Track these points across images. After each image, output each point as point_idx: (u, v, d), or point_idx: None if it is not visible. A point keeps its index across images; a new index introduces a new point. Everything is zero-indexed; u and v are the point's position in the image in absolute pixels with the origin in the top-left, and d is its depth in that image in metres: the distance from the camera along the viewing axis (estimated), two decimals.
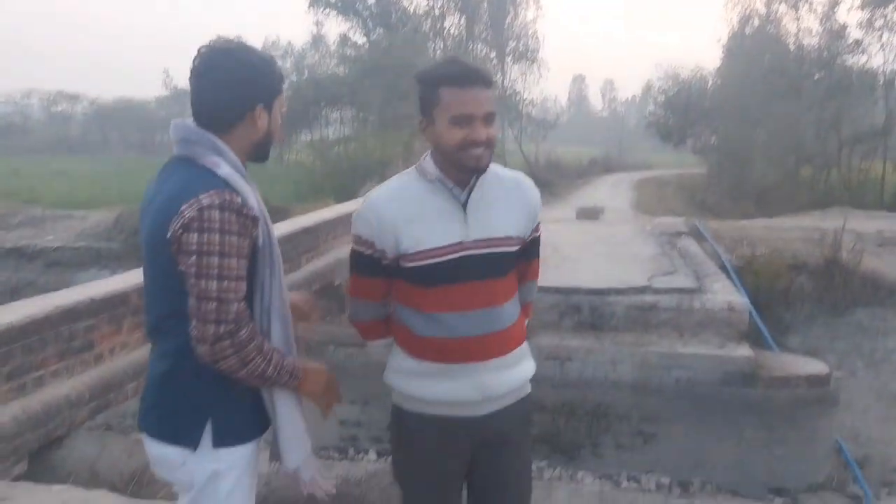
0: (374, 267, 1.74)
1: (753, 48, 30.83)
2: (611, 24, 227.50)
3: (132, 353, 4.11)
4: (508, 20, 33.43)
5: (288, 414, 1.70)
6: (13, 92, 53.28)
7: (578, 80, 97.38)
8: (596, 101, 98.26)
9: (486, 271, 1.72)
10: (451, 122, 1.64)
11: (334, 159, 22.34)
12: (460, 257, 1.69)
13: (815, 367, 6.21)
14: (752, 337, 7.16)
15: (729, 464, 5.91)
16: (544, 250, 2.04)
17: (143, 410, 1.69)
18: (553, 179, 29.34)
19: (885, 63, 27.74)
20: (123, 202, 15.84)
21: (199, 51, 1.59)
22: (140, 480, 3.49)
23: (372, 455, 5.35)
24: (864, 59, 28.53)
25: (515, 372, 1.80)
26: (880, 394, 7.53)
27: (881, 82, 27.65)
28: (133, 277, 4.42)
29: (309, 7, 30.41)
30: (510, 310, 1.78)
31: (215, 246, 1.49)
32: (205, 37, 1.65)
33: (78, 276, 12.34)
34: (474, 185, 1.72)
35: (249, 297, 1.60)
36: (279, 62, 1.74)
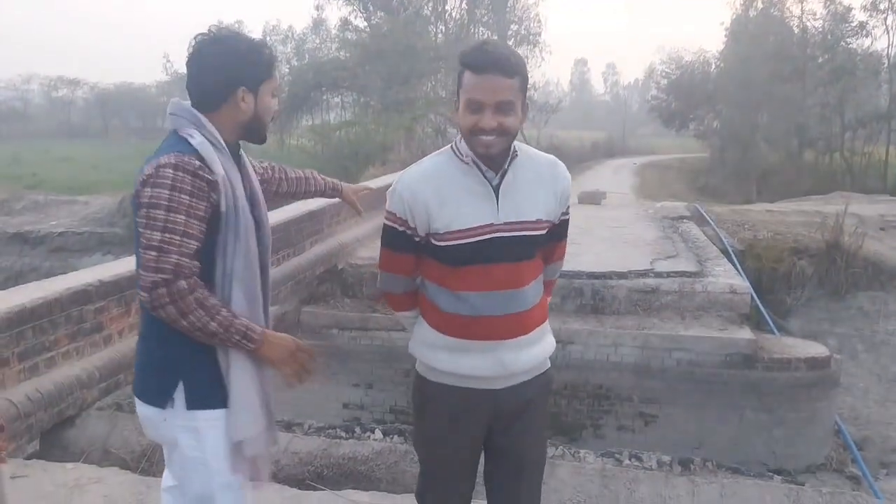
0: (405, 243, 1.78)
1: (757, 31, 30.64)
2: (613, 6, 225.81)
3: None
4: (510, 3, 33.25)
5: (239, 381, 1.69)
6: (14, 77, 53.29)
7: (580, 64, 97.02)
8: (598, 84, 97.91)
9: (514, 253, 1.74)
10: (466, 106, 1.67)
11: (336, 144, 22.27)
12: (490, 239, 1.71)
13: (816, 349, 6.26)
14: (754, 320, 7.21)
15: (729, 445, 5.98)
16: None
17: (134, 373, 1.80)
18: None
19: (889, 46, 27.64)
20: (126, 187, 15.83)
21: (194, 38, 1.75)
22: (150, 458, 3.55)
23: (378, 434, 5.42)
24: (868, 42, 28.43)
25: (536, 349, 1.84)
26: (880, 376, 7.59)
27: (885, 65, 27.51)
28: None
29: None
30: (534, 290, 1.82)
31: (164, 201, 1.58)
32: (205, 23, 1.82)
33: (82, 260, 12.38)
34: (508, 167, 1.74)
35: (210, 261, 1.67)
36: (280, 47, 1.81)
